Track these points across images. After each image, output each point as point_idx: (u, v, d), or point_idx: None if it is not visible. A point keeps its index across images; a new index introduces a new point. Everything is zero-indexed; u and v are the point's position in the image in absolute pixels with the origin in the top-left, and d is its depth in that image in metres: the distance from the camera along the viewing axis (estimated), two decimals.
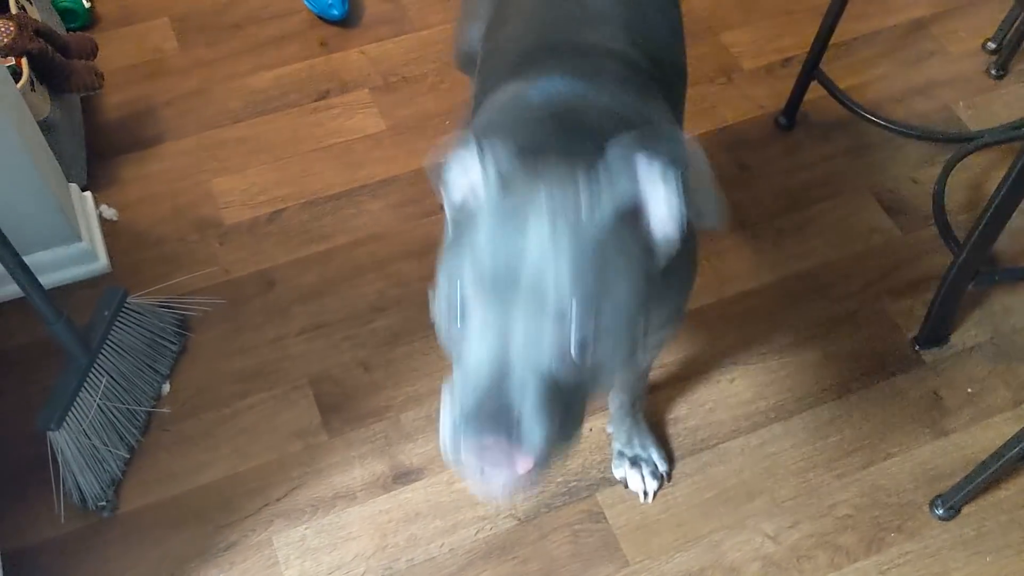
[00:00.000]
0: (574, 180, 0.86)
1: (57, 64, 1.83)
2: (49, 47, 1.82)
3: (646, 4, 1.34)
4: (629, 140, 0.88)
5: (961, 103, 2.14)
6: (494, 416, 0.80)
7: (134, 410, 1.65)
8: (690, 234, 1.17)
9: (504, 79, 1.25)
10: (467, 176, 0.92)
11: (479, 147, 0.90)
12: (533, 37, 1.29)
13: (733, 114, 2.12)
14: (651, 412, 1.67)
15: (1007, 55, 2.15)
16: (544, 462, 0.82)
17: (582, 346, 0.82)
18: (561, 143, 1.06)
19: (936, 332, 1.77)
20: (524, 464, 0.81)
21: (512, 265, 0.83)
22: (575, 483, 1.64)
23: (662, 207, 0.88)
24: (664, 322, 1.21)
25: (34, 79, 1.79)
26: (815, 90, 2.03)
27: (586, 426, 1.69)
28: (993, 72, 2.17)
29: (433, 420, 1.70)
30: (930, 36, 2.26)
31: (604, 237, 0.85)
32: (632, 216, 0.87)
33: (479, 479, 0.83)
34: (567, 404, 0.84)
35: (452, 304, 0.87)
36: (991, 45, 2.21)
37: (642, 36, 1.29)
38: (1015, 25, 2.12)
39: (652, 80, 1.25)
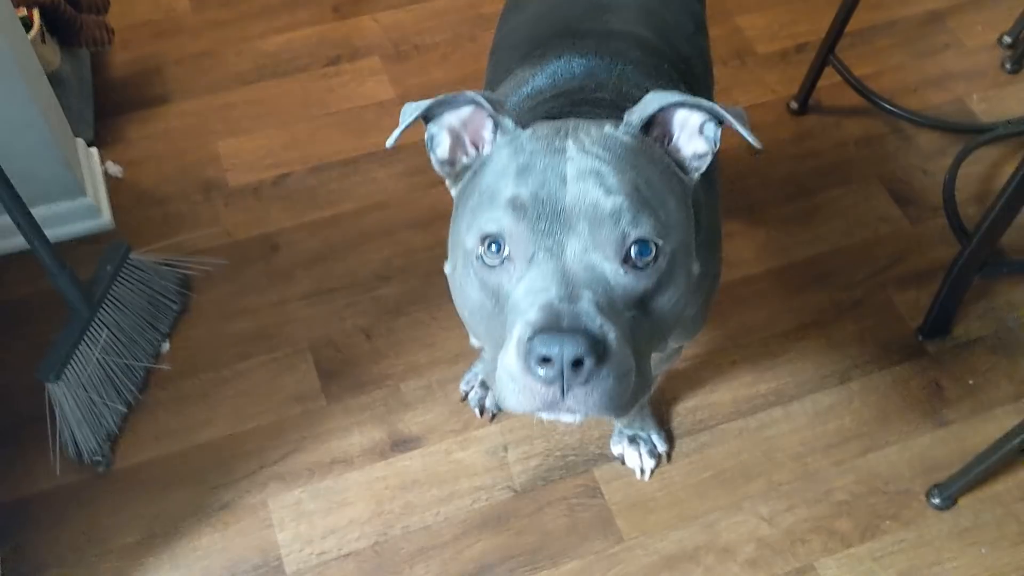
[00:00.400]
0: (592, 117, 0.90)
1: (68, 17, 1.82)
2: (61, 0, 1.80)
3: None
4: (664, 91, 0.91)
5: (975, 96, 2.13)
6: (570, 325, 0.77)
7: (133, 366, 1.65)
8: (714, 240, 1.17)
9: (518, 63, 1.23)
10: (451, 130, 0.94)
11: (475, 98, 0.91)
12: (548, 22, 1.26)
13: (746, 97, 2.10)
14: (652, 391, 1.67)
15: (1023, 50, 2.14)
16: (621, 371, 0.79)
17: (642, 248, 0.82)
18: (575, 115, 1.05)
19: (940, 323, 1.76)
20: (603, 375, 0.78)
21: (551, 184, 0.83)
22: (573, 457, 1.63)
23: (694, 120, 0.92)
24: (682, 330, 1.20)
25: (45, 31, 1.78)
26: (827, 77, 2.02)
27: None
28: (1008, 67, 2.16)
29: (433, 390, 1.69)
30: (946, 28, 2.25)
31: (636, 146, 0.88)
32: (660, 137, 0.93)
33: (553, 399, 0.79)
34: (639, 329, 0.83)
35: (482, 251, 0.85)
36: (1007, 39, 2.19)
37: (664, 24, 1.26)
38: None
39: (675, 70, 1.22)
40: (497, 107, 0.91)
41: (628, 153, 0.87)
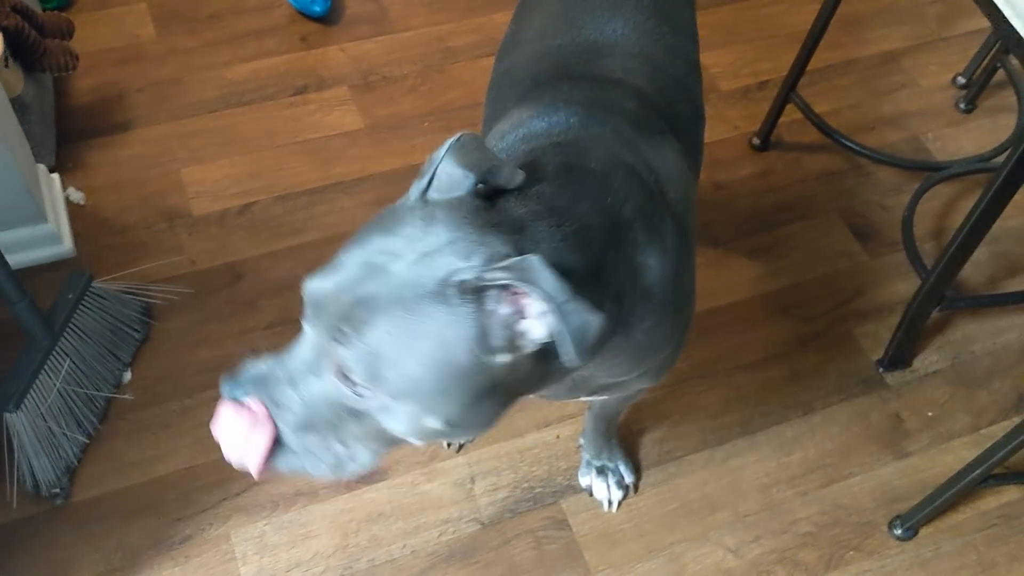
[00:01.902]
0: (475, 242, 0.82)
1: (32, 42, 1.80)
2: (25, 24, 1.78)
3: (665, 36, 1.31)
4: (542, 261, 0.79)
5: (930, 134, 2.18)
6: (261, 386, 0.87)
7: (93, 396, 1.62)
8: (676, 315, 1.10)
9: (515, 104, 1.21)
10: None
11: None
12: (548, 63, 1.25)
13: (709, 134, 2.08)
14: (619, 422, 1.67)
15: (976, 91, 2.21)
16: (286, 456, 0.88)
17: (362, 385, 0.81)
18: (557, 184, 0.97)
19: (899, 355, 1.79)
20: (260, 435, 0.86)
21: (345, 278, 0.83)
22: (540, 489, 1.63)
23: (535, 307, 0.80)
24: (637, 377, 1.16)
25: (8, 55, 1.75)
26: (788, 114, 2.06)
27: (552, 433, 1.70)
28: (962, 106, 2.22)
29: None
30: (901, 68, 2.31)
31: (443, 309, 0.80)
32: (500, 299, 0.81)
33: (225, 435, 0.89)
34: (348, 428, 0.86)
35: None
36: (961, 80, 2.26)
37: (658, 71, 1.25)
38: (984, 62, 2.17)
39: (666, 121, 1.20)
40: (447, 157, 0.87)
41: (429, 302, 0.80)
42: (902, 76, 2.30)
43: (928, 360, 1.83)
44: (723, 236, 1.97)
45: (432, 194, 0.87)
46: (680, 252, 1.06)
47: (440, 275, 0.80)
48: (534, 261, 0.78)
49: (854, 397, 1.78)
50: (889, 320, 1.86)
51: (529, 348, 0.82)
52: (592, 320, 0.79)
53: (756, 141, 2.11)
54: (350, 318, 0.80)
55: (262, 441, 0.86)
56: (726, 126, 2.17)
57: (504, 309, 0.80)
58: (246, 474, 1.60)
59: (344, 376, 0.81)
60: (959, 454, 1.71)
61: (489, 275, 0.78)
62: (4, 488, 1.54)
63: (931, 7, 2.45)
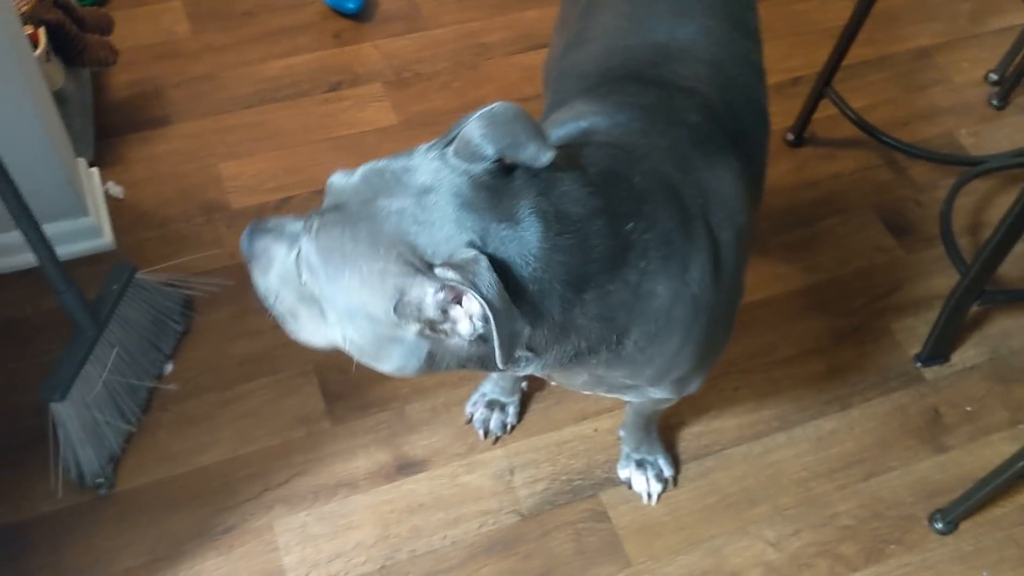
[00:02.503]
0: (441, 207, 0.86)
1: (73, 36, 1.82)
2: (66, 18, 1.80)
3: (734, 42, 1.30)
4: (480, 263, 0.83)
5: (963, 130, 2.18)
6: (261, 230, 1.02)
7: (136, 387, 1.63)
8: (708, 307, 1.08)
9: (579, 96, 1.21)
10: None
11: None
12: (617, 61, 1.24)
13: None
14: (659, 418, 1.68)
15: (1008, 87, 2.20)
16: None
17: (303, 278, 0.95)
18: (587, 192, 0.96)
19: (938, 350, 1.79)
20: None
21: (344, 194, 0.92)
22: (579, 482, 1.63)
23: (474, 308, 0.84)
24: (675, 380, 1.16)
25: (50, 50, 1.77)
26: (821, 110, 2.06)
27: (590, 426, 1.71)
28: (995, 102, 2.22)
29: (438, 412, 1.69)
30: (935, 65, 2.31)
31: (379, 240, 0.88)
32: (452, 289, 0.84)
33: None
34: (304, 298, 0.98)
35: None
36: (993, 76, 2.25)
37: (727, 80, 1.24)
38: (1017, 59, 2.17)
39: (731, 137, 1.18)
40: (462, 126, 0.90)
41: (376, 247, 0.87)
42: (935, 72, 2.29)
43: (966, 355, 1.82)
44: (759, 230, 1.96)
45: (451, 157, 0.88)
46: (708, 284, 1.04)
47: (399, 237, 0.86)
48: (482, 264, 0.82)
49: (892, 392, 1.77)
50: (926, 315, 1.85)
51: (451, 339, 0.87)
52: (519, 332, 0.84)
53: (790, 137, 2.11)
54: (324, 213, 0.91)
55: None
56: None
57: (440, 295, 0.84)
58: (288, 465, 1.62)
59: (297, 255, 0.94)
60: (998, 448, 1.71)
61: (438, 269, 0.84)
62: (49, 478, 1.55)
63: (963, 4, 2.45)
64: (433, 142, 0.91)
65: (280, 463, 1.62)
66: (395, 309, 0.87)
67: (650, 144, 1.08)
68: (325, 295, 0.92)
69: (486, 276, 0.81)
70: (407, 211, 0.86)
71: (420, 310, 0.86)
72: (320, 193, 1.93)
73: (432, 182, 0.87)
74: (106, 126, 2.02)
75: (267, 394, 1.69)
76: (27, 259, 1.73)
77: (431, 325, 0.87)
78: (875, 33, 2.30)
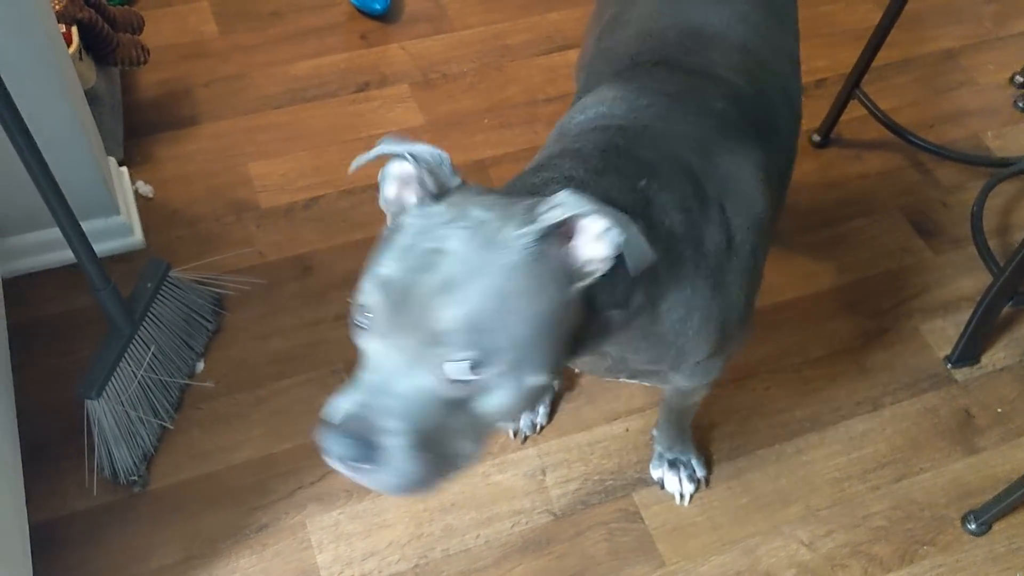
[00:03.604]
0: (509, 206, 0.84)
1: (105, 35, 1.82)
2: (98, 17, 1.81)
3: (771, 31, 1.29)
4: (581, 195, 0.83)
5: (989, 133, 2.18)
6: (354, 434, 0.80)
7: (169, 385, 1.63)
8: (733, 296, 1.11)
9: (609, 79, 1.22)
10: (400, 178, 0.91)
11: (418, 155, 0.87)
12: (649, 45, 1.25)
13: None
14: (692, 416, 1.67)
15: None
16: (404, 483, 0.82)
17: (466, 365, 0.80)
18: (593, 159, 1.02)
19: (968, 351, 1.79)
20: (378, 481, 0.82)
21: (413, 277, 0.80)
22: (611, 482, 1.63)
23: (597, 226, 0.83)
24: (697, 366, 1.17)
25: (82, 48, 1.77)
26: (847, 112, 2.07)
27: (621, 426, 1.70)
28: (1020, 105, 2.22)
29: None
30: (960, 67, 2.31)
31: (519, 257, 0.82)
32: (565, 234, 0.84)
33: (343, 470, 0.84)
34: (452, 427, 0.82)
35: (355, 304, 0.84)
36: (1019, 79, 2.25)
37: (760, 67, 1.24)
38: None
39: (756, 127, 1.18)
40: (431, 170, 0.88)
41: (502, 268, 0.81)
42: (960, 75, 2.29)
43: (996, 356, 1.82)
44: (786, 231, 1.96)
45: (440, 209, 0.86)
46: (723, 260, 1.05)
47: (499, 235, 0.82)
48: (569, 193, 0.82)
49: (923, 392, 1.77)
50: (955, 316, 1.85)
51: (600, 268, 0.85)
52: (637, 231, 0.83)
53: (816, 138, 2.11)
54: (434, 306, 0.79)
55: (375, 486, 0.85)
56: None
57: (565, 242, 0.84)
58: (320, 463, 1.62)
59: (442, 368, 0.79)
60: None
61: (543, 216, 0.82)
62: (82, 476, 1.56)
63: (987, 6, 2.45)
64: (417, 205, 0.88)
65: (313, 461, 1.62)
66: (556, 282, 0.84)
67: (667, 128, 1.09)
68: (503, 352, 0.81)
69: (582, 196, 0.82)
70: (485, 225, 0.83)
71: (570, 260, 0.85)
72: (349, 192, 1.95)
73: (465, 202, 0.85)
74: (135, 125, 2.03)
75: (299, 392, 1.69)
76: (58, 257, 1.75)
77: (582, 270, 0.85)
78: (899, 35, 2.29)
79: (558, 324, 0.85)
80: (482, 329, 0.79)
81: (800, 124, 1.32)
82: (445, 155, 0.88)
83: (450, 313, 0.79)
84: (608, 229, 0.82)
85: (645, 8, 1.32)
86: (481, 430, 0.86)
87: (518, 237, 0.82)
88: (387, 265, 0.82)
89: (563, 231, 0.84)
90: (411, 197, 0.89)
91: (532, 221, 0.82)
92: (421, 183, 0.88)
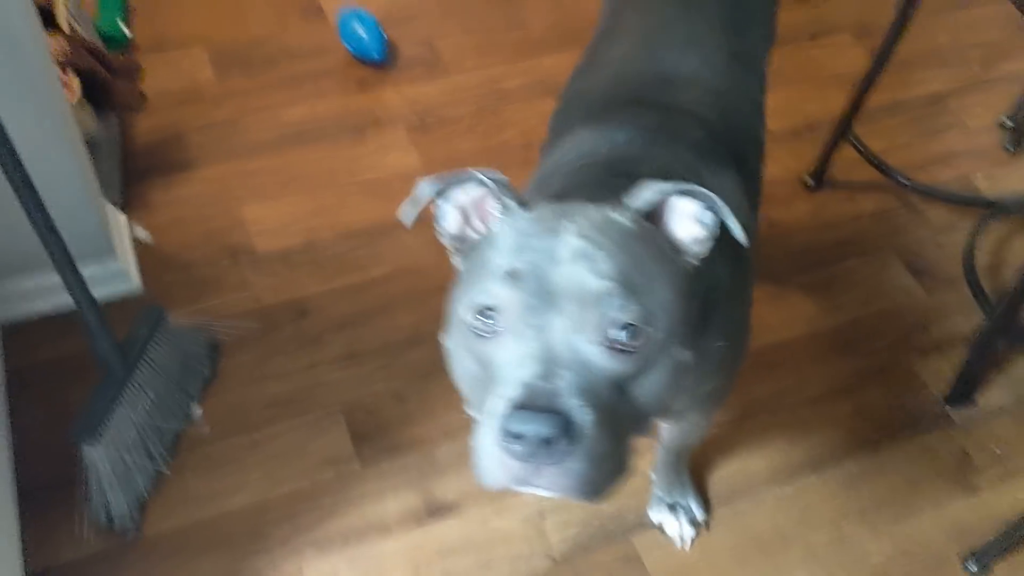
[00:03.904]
0: (595, 205, 0.91)
1: (105, 82, 1.84)
2: (98, 65, 1.82)
3: (737, 76, 1.35)
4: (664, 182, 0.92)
5: (979, 174, 2.20)
6: (544, 404, 0.78)
7: (165, 430, 1.62)
8: (740, 320, 1.19)
9: (582, 122, 1.26)
10: (462, 205, 0.95)
11: (487, 175, 0.91)
12: (622, 88, 1.29)
13: None
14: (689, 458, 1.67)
15: (1022, 131, 2.23)
16: (595, 454, 0.79)
17: (626, 332, 0.82)
18: (605, 187, 1.06)
19: (965, 391, 1.79)
20: (575, 457, 0.79)
21: (543, 262, 0.84)
22: (611, 526, 1.62)
23: (691, 207, 0.92)
24: (707, 395, 1.22)
25: (82, 95, 1.79)
26: (840, 154, 2.09)
27: None
28: (1009, 147, 2.25)
29: (467, 455, 1.67)
30: (948, 110, 2.34)
31: (633, 230, 0.89)
32: (658, 221, 0.93)
33: (525, 475, 0.80)
34: (620, 413, 0.83)
35: (475, 322, 0.85)
36: (1008, 122, 2.28)
37: (730, 108, 1.29)
38: None
39: (730, 154, 1.24)
40: (502, 187, 0.92)
41: (623, 238, 0.87)
42: (949, 117, 2.33)
43: (992, 396, 1.82)
44: (780, 272, 1.98)
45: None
46: (726, 268, 1.09)
47: (607, 217, 0.89)
48: (650, 181, 0.92)
49: (920, 433, 1.77)
50: (950, 356, 1.86)
51: (700, 250, 0.93)
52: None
53: (809, 180, 2.14)
54: (580, 276, 0.82)
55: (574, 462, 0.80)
56: (777, 166, 2.18)
57: (664, 224, 0.93)
58: (317, 508, 1.61)
59: (606, 333, 0.82)
60: None
61: (638, 198, 0.91)
62: (74, 523, 1.54)
63: (974, 50, 2.49)
64: (507, 212, 0.92)
65: (309, 505, 1.61)
66: (676, 253, 0.93)
67: (650, 155, 1.15)
68: (658, 316, 0.84)
69: (661, 182, 0.91)
70: (598, 209, 0.90)
71: (678, 235, 0.93)
72: (345, 236, 1.96)
73: (553, 225, 0.89)
74: (132, 171, 2.04)
75: (295, 436, 1.69)
76: (53, 303, 1.74)
77: (691, 244, 0.93)
78: (888, 78, 2.32)
79: (687, 295, 0.91)
80: (632, 284, 0.83)
81: (764, 164, 1.40)
82: (504, 176, 0.93)
83: (600, 274, 0.82)
84: (702, 209, 0.91)
85: (619, 54, 1.36)
86: (642, 420, 0.88)
87: (623, 215, 0.90)
88: (508, 264, 0.85)
89: (658, 217, 0.93)
90: (491, 212, 0.93)
91: (627, 207, 0.90)
92: (497, 197, 0.92)
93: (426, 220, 1.98)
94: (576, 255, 0.83)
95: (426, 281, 1.89)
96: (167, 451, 1.63)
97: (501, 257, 0.86)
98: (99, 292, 1.76)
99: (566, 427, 0.77)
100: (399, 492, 1.63)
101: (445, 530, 1.60)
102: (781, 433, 1.75)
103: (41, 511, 1.56)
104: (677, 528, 1.60)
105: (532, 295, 0.82)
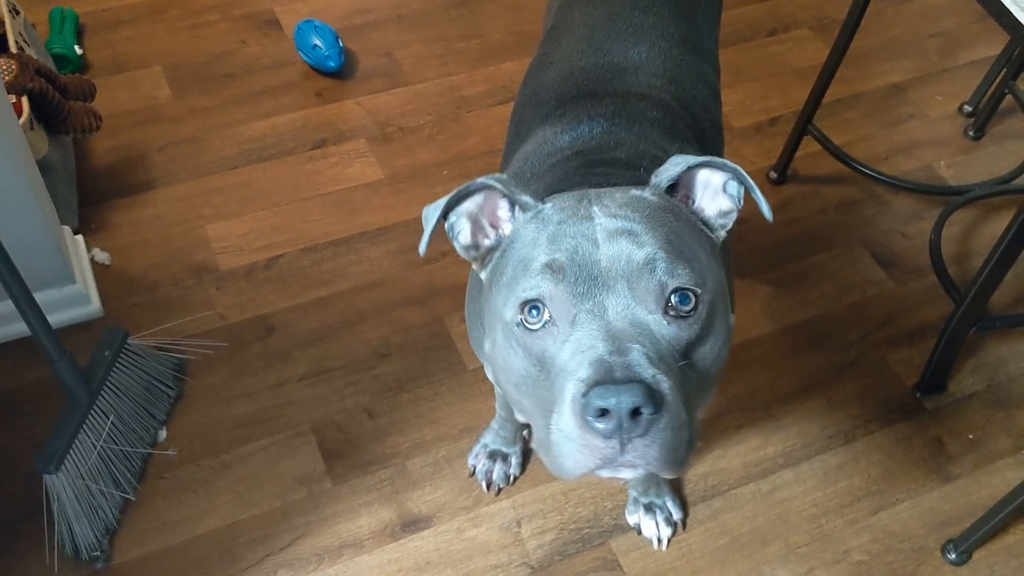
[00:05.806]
0: (607, 178, 0.95)
1: (56, 104, 1.81)
2: (49, 87, 1.79)
3: (689, 63, 1.34)
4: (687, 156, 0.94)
5: (942, 162, 2.21)
6: (624, 375, 0.76)
7: (131, 455, 1.59)
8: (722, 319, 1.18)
9: (539, 124, 1.26)
10: (471, 213, 0.95)
11: (491, 183, 0.92)
12: (572, 83, 1.28)
13: None
14: None
15: (983, 118, 2.24)
16: (678, 422, 0.78)
17: (681, 296, 0.83)
18: (590, 177, 1.09)
19: (936, 380, 1.79)
20: (662, 425, 0.77)
21: (583, 247, 0.84)
22: (588, 530, 1.61)
23: (717, 179, 0.94)
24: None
25: (33, 118, 1.76)
26: (802, 148, 2.09)
27: None
28: (971, 134, 2.26)
29: (440, 467, 1.66)
30: (908, 100, 2.35)
31: (662, 204, 0.90)
32: (684, 197, 0.95)
33: (612, 454, 0.78)
34: (687, 380, 0.84)
35: (527, 314, 0.84)
36: (967, 108, 2.29)
37: (682, 90, 1.29)
38: (990, 89, 2.21)
39: (690, 131, 1.25)
40: (510, 186, 0.92)
41: (655, 211, 0.89)
42: (910, 107, 2.33)
43: (963, 383, 1.83)
44: (749, 268, 1.97)
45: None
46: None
47: (635, 195, 0.90)
48: (672, 158, 0.94)
49: (894, 423, 1.77)
50: (921, 345, 1.86)
51: (727, 223, 0.95)
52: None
53: (773, 175, 2.14)
54: (629, 251, 0.83)
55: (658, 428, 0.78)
56: (741, 162, 2.17)
57: (689, 201, 0.95)
58: (290, 528, 1.58)
59: (667, 298, 0.82)
60: (1004, 476, 1.70)
61: (663, 175, 0.93)
62: (42, 553, 1.51)
63: (931, 40, 2.51)
64: (525, 208, 0.93)
65: (282, 526, 1.59)
66: (707, 228, 0.95)
67: (616, 139, 1.16)
68: (706, 279, 0.86)
69: (683, 156, 0.94)
70: (621, 191, 0.92)
71: (705, 210, 0.96)
72: (310, 250, 1.94)
73: (583, 210, 0.90)
74: (90, 193, 2.00)
75: (265, 456, 1.66)
76: (12, 330, 1.71)
77: (719, 219, 0.95)
78: (848, 71, 2.34)
79: (721, 266, 0.93)
80: (676, 250, 0.84)
81: (723, 142, 1.41)
82: (508, 176, 0.95)
83: (643, 245, 0.83)
84: (727, 180, 0.93)
85: (567, 51, 1.36)
86: (705, 388, 0.88)
87: (648, 192, 0.91)
88: (547, 256, 0.85)
89: (683, 194, 0.95)
90: (501, 214, 0.95)
91: (652, 185, 0.92)
92: (510, 197, 0.92)
93: (387, 233, 1.97)
94: (615, 233, 0.84)
95: (391, 294, 1.87)
96: (134, 476, 1.60)
97: (536, 250, 0.86)
98: (58, 316, 1.75)
99: (649, 394, 0.76)
100: (372, 508, 1.61)
101: (421, 544, 1.58)
102: (756, 430, 1.74)
103: (8, 542, 1.53)
104: (654, 529, 1.59)
105: (579, 282, 0.82)
